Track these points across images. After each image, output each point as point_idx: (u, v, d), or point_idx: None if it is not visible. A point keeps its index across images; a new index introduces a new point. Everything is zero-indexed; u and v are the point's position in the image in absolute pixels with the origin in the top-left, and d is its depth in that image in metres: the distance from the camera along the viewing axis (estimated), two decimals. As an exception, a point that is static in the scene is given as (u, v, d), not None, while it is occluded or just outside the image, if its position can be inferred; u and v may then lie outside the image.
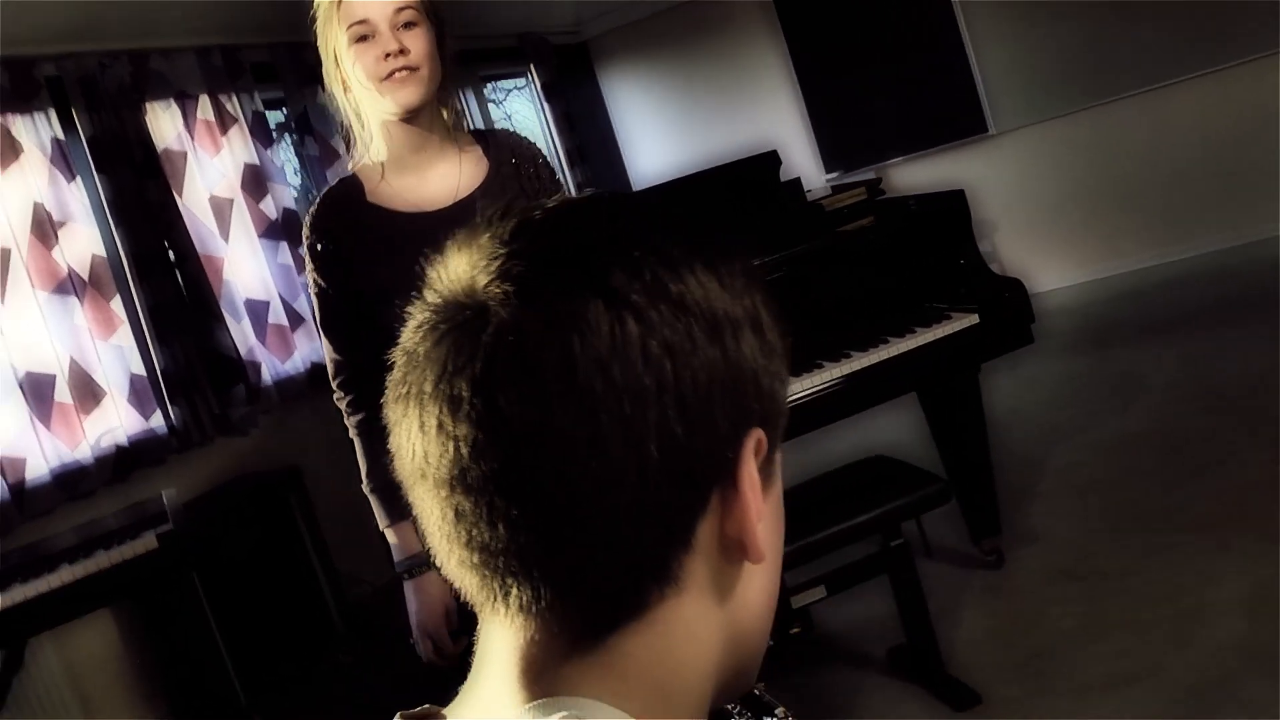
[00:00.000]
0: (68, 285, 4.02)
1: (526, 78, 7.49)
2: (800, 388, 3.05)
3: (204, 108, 4.80)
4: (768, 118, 7.16)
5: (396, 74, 2.06)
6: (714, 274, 0.67)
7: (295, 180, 5.49)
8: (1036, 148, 6.71)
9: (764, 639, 0.77)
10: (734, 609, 0.72)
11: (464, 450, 0.63)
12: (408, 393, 0.67)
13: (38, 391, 3.84)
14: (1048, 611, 3.24)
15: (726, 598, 0.71)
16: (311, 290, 2.24)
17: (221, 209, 4.73)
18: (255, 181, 4.92)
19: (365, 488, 2.24)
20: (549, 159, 2.37)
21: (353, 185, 2.21)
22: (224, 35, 4.93)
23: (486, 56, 7.04)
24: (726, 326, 0.66)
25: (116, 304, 4.21)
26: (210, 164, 4.76)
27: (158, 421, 4.26)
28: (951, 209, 3.41)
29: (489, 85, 7.32)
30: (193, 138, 4.70)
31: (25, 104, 4.07)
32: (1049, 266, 6.80)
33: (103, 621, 3.84)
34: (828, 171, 7.08)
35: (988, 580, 3.53)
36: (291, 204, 5.07)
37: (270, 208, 4.95)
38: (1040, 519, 3.84)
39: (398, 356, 0.70)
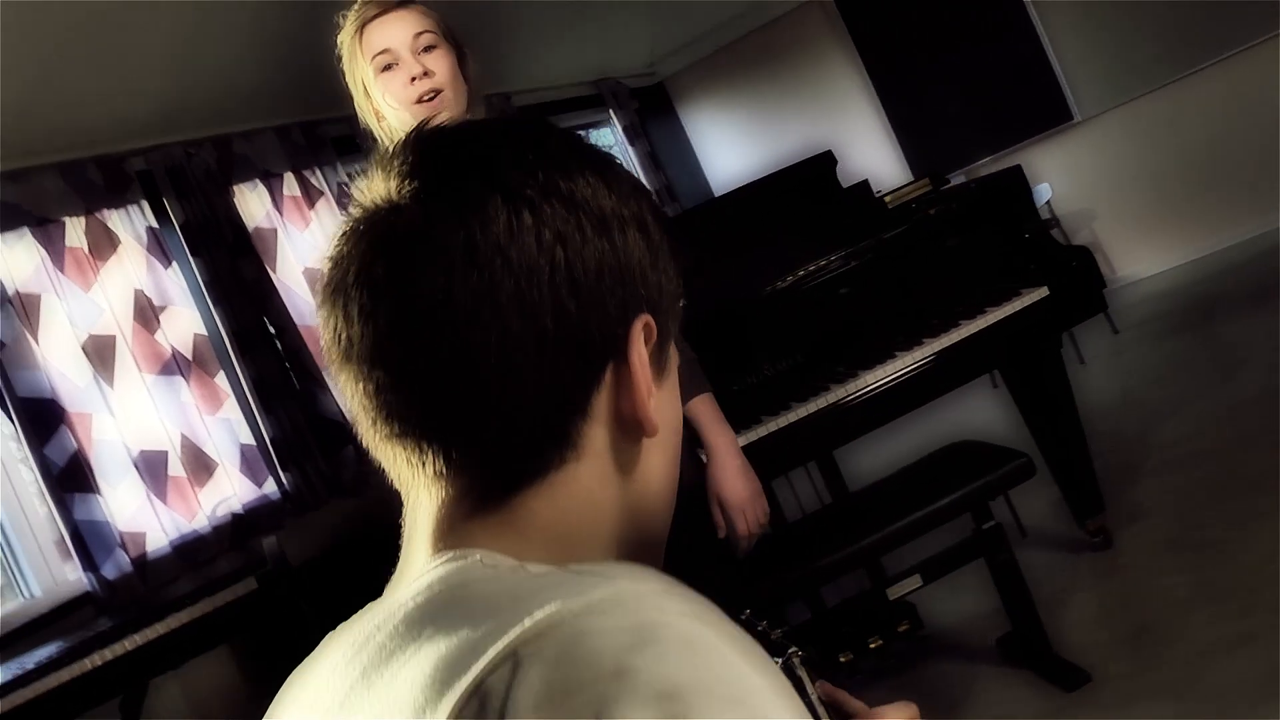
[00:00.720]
0: (173, 365, 4.18)
1: (608, 123, 7.58)
2: (877, 377, 3.06)
3: (289, 184, 4.96)
4: (850, 131, 7.14)
5: (425, 96, 2.14)
6: (602, 179, 0.76)
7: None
8: (1124, 129, 6.58)
9: (665, 521, 0.85)
10: (633, 481, 0.79)
11: (382, 326, 0.72)
12: (334, 289, 0.75)
13: (152, 469, 3.99)
14: (1156, 584, 3.17)
15: (626, 469, 0.78)
16: None
17: (315, 280, 4.86)
18: (346, 250, 5.05)
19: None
20: None
21: None
22: (302, 112, 5.10)
23: (566, 106, 7.15)
24: (614, 222, 0.74)
25: (221, 379, 4.36)
26: (300, 238, 4.92)
27: (270, 488, 4.39)
28: (1010, 186, 3.38)
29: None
30: (281, 214, 4.87)
31: (119, 198, 4.26)
32: (1153, 250, 6.66)
33: (221, 659, 3.96)
34: (916, 180, 7.02)
35: (1095, 562, 3.46)
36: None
37: (362, 273, 5.07)
38: (1147, 495, 3.76)
39: (325, 264, 0.77)
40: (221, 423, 4.31)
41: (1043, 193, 6.04)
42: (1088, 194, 6.65)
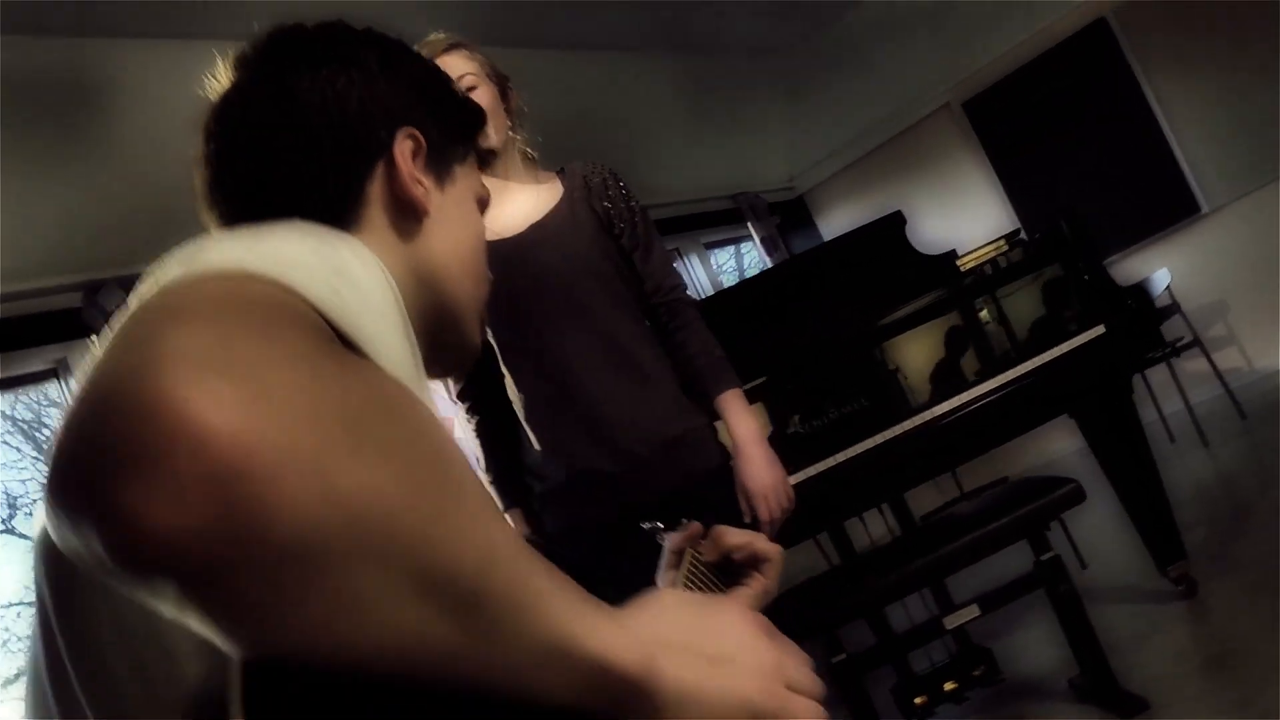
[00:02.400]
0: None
1: (747, 237, 7.80)
2: (930, 415, 3.21)
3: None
4: (983, 230, 7.14)
5: None
6: (382, 49, 1.06)
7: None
8: (1253, 219, 6.45)
9: (466, 296, 1.08)
10: (417, 250, 1.02)
11: (214, 160, 1.00)
12: (197, 161, 1.03)
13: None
14: (1235, 627, 3.16)
15: (407, 239, 1.01)
16: None
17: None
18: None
19: (485, 480, 2.62)
20: (621, 179, 2.69)
21: None
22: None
23: (705, 221, 7.39)
24: (389, 66, 1.05)
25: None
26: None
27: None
28: (1070, 233, 3.48)
29: (712, 251, 7.69)
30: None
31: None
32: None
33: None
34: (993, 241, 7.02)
35: (1175, 608, 3.46)
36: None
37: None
38: (1239, 550, 3.74)
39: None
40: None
41: (1160, 279, 6.00)
42: (1218, 285, 6.55)
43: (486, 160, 1.15)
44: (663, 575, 1.29)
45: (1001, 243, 3.73)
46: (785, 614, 3.02)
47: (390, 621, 0.57)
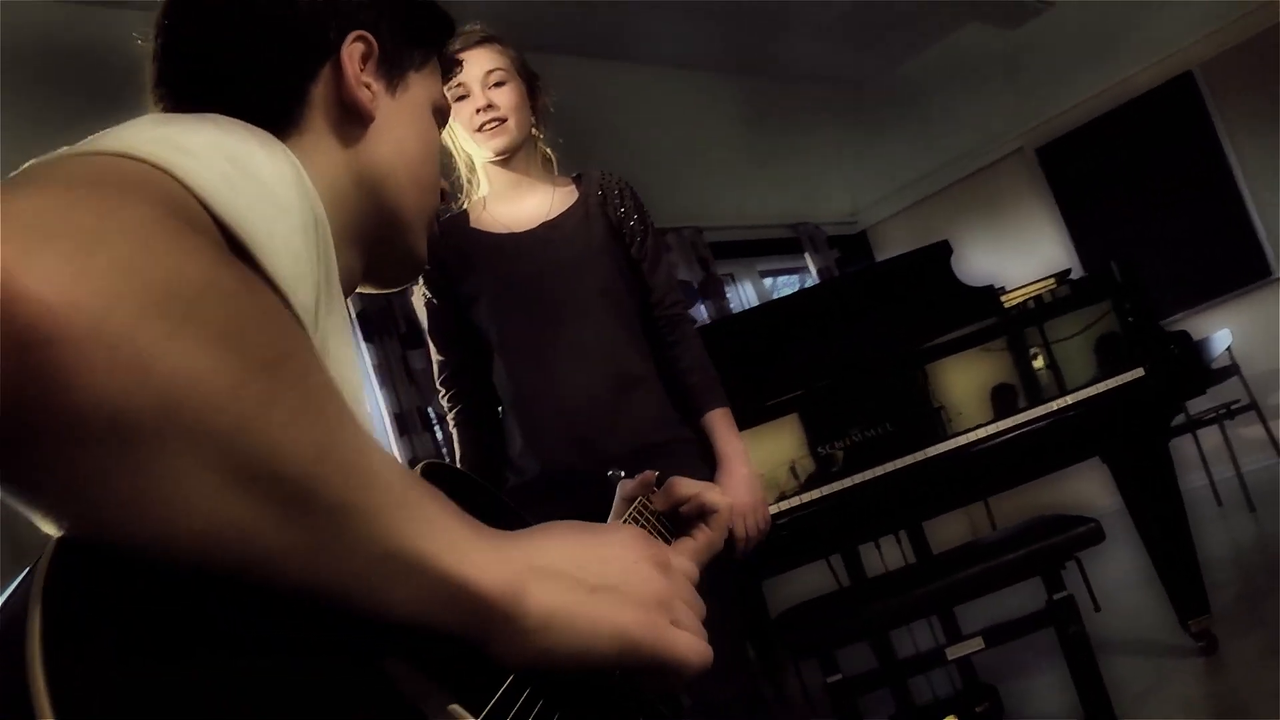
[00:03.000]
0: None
1: (804, 268, 7.73)
2: (955, 443, 3.14)
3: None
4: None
5: (487, 125, 2.48)
6: None
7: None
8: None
9: (410, 202, 1.07)
10: (359, 155, 1.01)
11: (160, 54, 0.99)
12: (147, 56, 1.02)
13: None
14: (1251, 684, 3.04)
15: (349, 144, 1.00)
16: (420, 302, 2.65)
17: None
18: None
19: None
20: (636, 193, 2.70)
21: (461, 215, 2.64)
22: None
23: (762, 248, 7.32)
24: None
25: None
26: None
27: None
28: (1119, 276, 3.40)
29: (767, 280, 7.61)
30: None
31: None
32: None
33: None
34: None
35: (1194, 665, 3.34)
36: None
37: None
38: (1265, 604, 3.63)
39: None
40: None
41: (1221, 339, 5.81)
42: (1281, 352, 6.39)
43: (452, 70, 1.14)
44: (611, 519, 1.33)
45: (1051, 280, 3.65)
46: (787, 630, 3.02)
47: (206, 510, 0.56)
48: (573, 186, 2.68)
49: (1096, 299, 3.36)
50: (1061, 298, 3.40)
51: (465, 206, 2.68)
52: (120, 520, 0.55)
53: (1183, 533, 3.33)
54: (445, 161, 2.68)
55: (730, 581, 2.55)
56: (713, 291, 6.53)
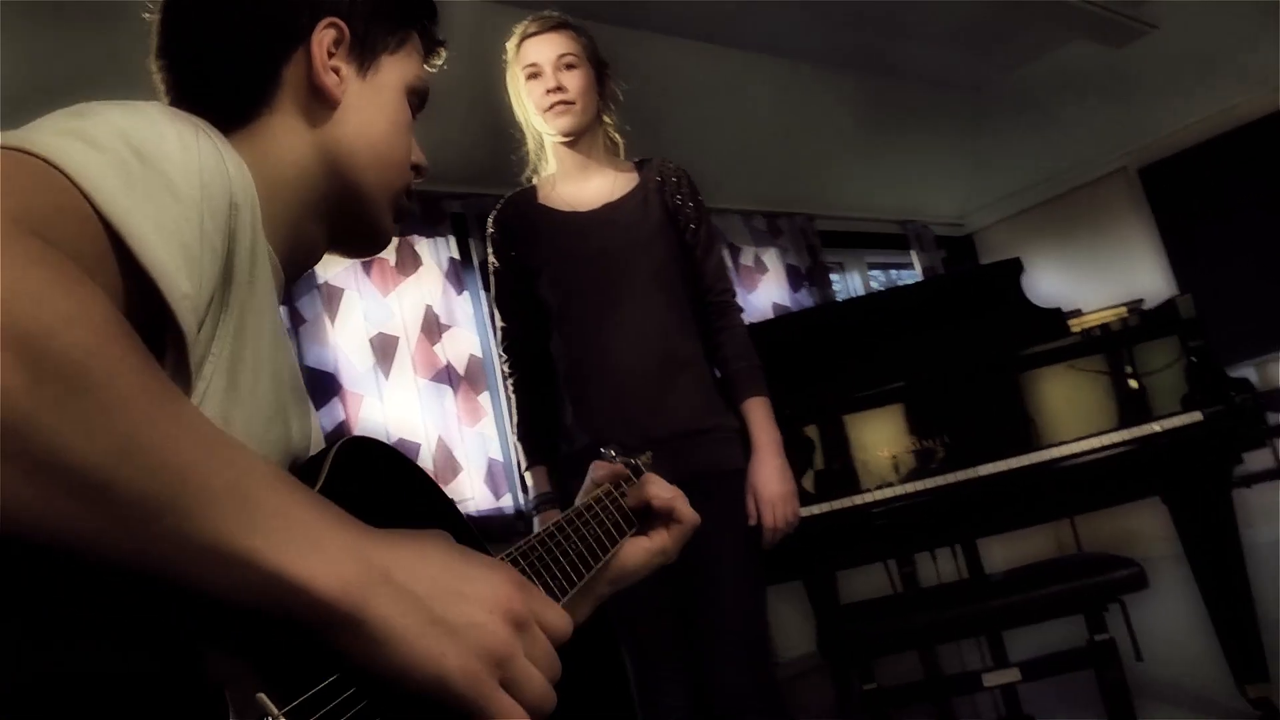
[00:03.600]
0: (444, 375, 4.76)
1: (909, 265, 7.81)
2: (999, 468, 3.16)
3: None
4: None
5: (556, 106, 2.66)
6: None
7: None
8: None
9: (372, 181, 1.15)
10: (326, 136, 1.11)
11: (159, 30, 1.11)
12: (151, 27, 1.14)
13: (407, 454, 4.52)
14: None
15: (316, 124, 1.10)
16: (491, 271, 2.83)
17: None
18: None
19: (514, 436, 2.83)
20: (693, 182, 2.84)
21: (530, 190, 2.83)
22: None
23: (868, 241, 7.47)
24: None
25: (485, 399, 4.90)
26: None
27: (506, 502, 4.86)
28: (1180, 312, 3.35)
29: (875, 272, 7.72)
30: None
31: (431, 229, 4.95)
32: None
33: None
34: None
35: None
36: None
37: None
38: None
39: None
40: (476, 435, 4.83)
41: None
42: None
43: (435, 49, 1.28)
44: (579, 497, 1.38)
45: (1123, 309, 3.60)
46: (831, 630, 3.08)
47: (4, 493, 0.61)
48: (634, 172, 2.82)
49: (1164, 333, 3.32)
50: (1132, 327, 3.35)
51: (535, 182, 2.85)
52: None
53: (1242, 588, 3.25)
54: (516, 135, 2.85)
55: (754, 571, 2.66)
56: (819, 279, 6.67)
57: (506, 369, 2.87)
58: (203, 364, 0.86)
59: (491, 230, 2.85)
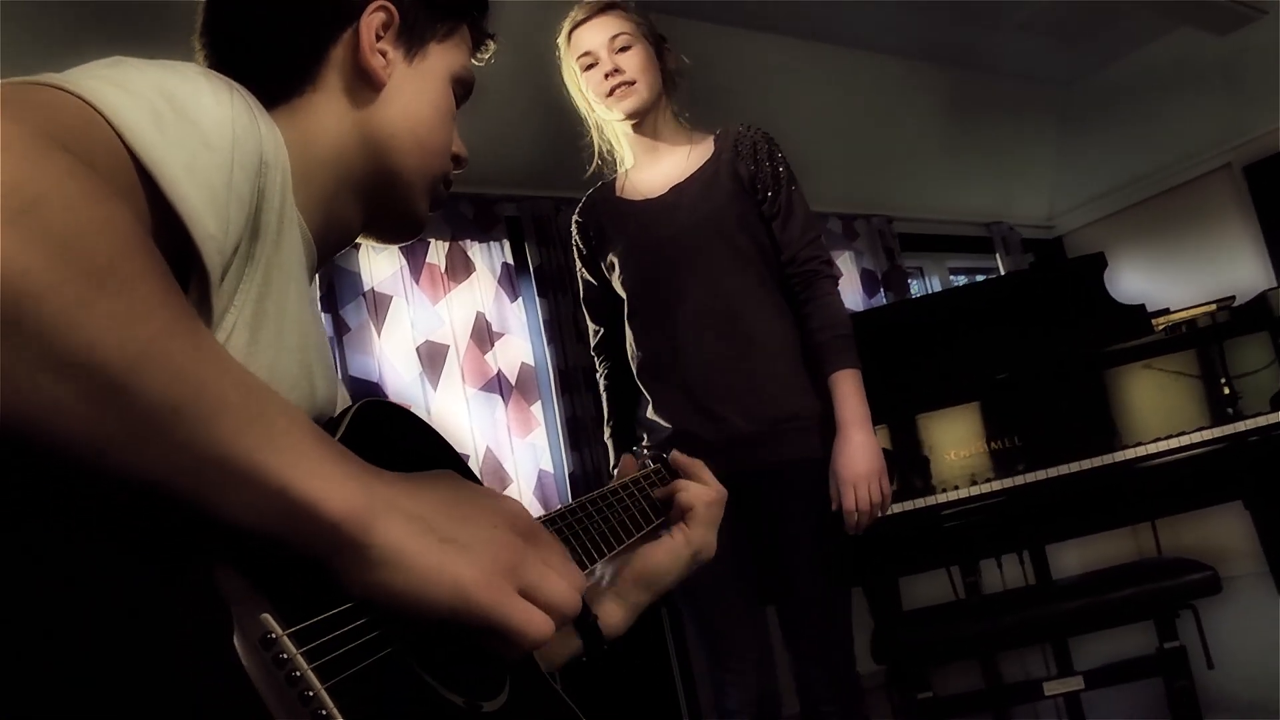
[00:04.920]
0: (495, 385, 4.64)
1: (994, 269, 7.53)
2: (1075, 468, 3.00)
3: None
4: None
5: (616, 90, 2.52)
6: None
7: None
8: None
9: (413, 165, 1.15)
10: (369, 118, 1.10)
11: (207, 7, 1.12)
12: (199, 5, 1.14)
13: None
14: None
15: (360, 107, 1.10)
16: (577, 272, 2.77)
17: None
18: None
19: (605, 433, 2.76)
20: (775, 146, 2.64)
21: (609, 185, 2.75)
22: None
23: (951, 244, 7.22)
24: None
25: (537, 409, 4.77)
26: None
27: (558, 514, 4.73)
28: (1272, 306, 3.22)
29: (957, 277, 7.44)
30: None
31: (484, 233, 4.82)
32: None
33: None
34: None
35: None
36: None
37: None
38: None
39: None
40: (527, 446, 4.70)
41: None
42: None
43: (483, 42, 1.24)
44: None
45: (1212, 305, 3.49)
46: (887, 637, 2.99)
47: (25, 388, 0.61)
48: (710, 143, 2.67)
49: (1254, 329, 3.17)
50: (1221, 324, 3.24)
51: (614, 177, 2.75)
52: None
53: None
54: (583, 133, 2.73)
55: (833, 566, 2.52)
56: (896, 284, 6.44)
57: (600, 368, 2.81)
58: (225, 314, 0.87)
59: (573, 229, 2.79)
